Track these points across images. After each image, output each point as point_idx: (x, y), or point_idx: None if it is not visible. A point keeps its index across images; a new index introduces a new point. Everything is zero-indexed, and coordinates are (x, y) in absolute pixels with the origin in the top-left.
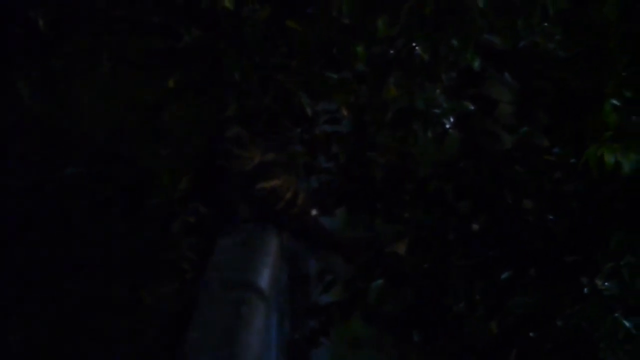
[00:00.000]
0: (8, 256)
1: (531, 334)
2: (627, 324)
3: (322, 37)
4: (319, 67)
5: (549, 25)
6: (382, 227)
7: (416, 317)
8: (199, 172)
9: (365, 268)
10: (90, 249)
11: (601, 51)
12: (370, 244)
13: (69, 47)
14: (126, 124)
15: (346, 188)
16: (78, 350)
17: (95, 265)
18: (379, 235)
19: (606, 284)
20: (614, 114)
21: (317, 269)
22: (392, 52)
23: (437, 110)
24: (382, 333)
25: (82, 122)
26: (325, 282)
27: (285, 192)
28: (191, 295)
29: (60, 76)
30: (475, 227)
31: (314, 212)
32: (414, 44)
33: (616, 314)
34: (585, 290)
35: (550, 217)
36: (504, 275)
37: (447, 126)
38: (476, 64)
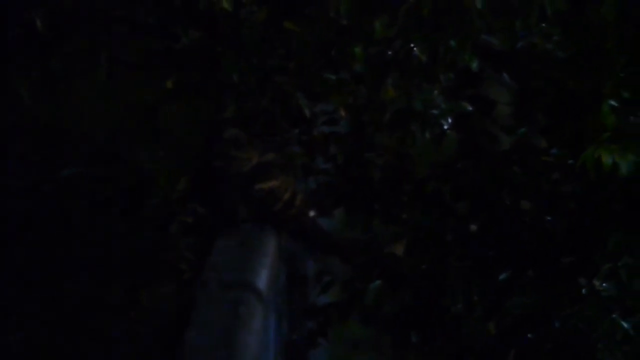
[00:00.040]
0: (7, 256)
1: (529, 335)
2: (625, 324)
3: (320, 38)
4: (317, 68)
5: (547, 26)
6: (380, 228)
7: (414, 318)
8: (197, 173)
9: (363, 269)
10: (89, 249)
11: (599, 52)
12: (368, 245)
13: (68, 48)
14: (125, 125)
15: (344, 189)
16: (77, 350)
17: (93, 266)
18: (377, 236)
19: (604, 284)
20: (612, 115)
21: (315, 270)
22: (390, 53)
23: (435, 111)
24: (380, 334)
25: (81, 123)
26: (323, 283)
27: (283, 193)
28: (189, 296)
29: (59, 77)
30: (473, 227)
31: (312, 213)
32: (411, 45)
33: (614, 315)
34: (583, 291)
35: (548, 218)
36: (502, 276)
37: (445, 127)
38: (474, 65)
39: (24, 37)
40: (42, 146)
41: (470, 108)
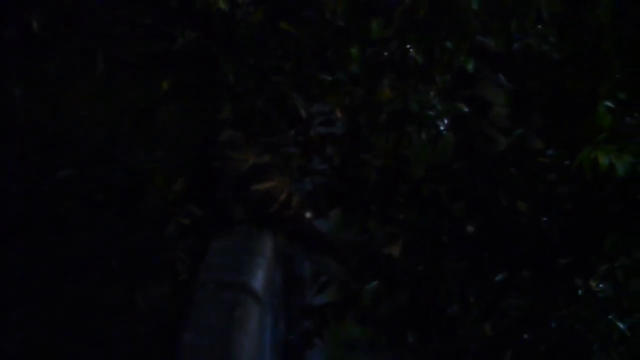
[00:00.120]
0: (4, 258)
1: (525, 336)
2: (621, 325)
3: (316, 39)
4: (313, 69)
5: (543, 27)
6: (376, 228)
7: (410, 318)
8: (193, 174)
9: (360, 269)
10: (86, 251)
11: (595, 53)
12: (364, 246)
13: (65, 49)
14: (121, 126)
15: (340, 190)
16: (74, 350)
17: (90, 267)
18: (373, 237)
19: (600, 285)
20: (608, 116)
21: (311, 271)
22: (386, 54)
23: (431, 112)
24: (376, 334)
25: (77, 124)
26: (319, 283)
27: (279, 194)
28: (186, 297)
29: (56, 78)
30: (469, 228)
31: (308, 213)
32: (408, 46)
33: (610, 316)
34: (580, 292)
35: (545, 219)
36: (499, 277)
37: (442, 128)
38: (470, 66)
39: (20, 38)
40: (39, 147)
41: (466, 109)
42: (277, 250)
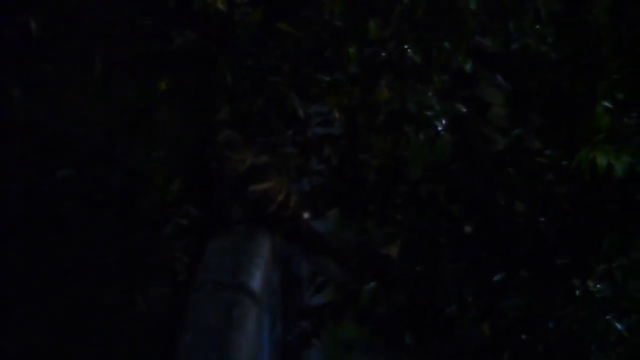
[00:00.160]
0: (2, 258)
1: (523, 336)
2: (619, 326)
3: (314, 39)
4: (311, 70)
5: (540, 27)
6: (374, 229)
7: (408, 319)
8: (191, 175)
9: (358, 270)
10: (84, 251)
11: (593, 53)
12: (362, 246)
13: (62, 50)
14: (119, 126)
15: (338, 190)
16: (72, 351)
17: (89, 267)
18: (371, 237)
19: (598, 286)
20: (606, 116)
21: (309, 271)
22: (384, 54)
23: (429, 113)
24: (374, 335)
25: (75, 125)
26: (317, 284)
27: (277, 194)
28: (184, 297)
29: (53, 79)
30: (467, 229)
31: (306, 214)
32: (405, 46)
33: (608, 316)
34: (578, 292)
35: (543, 219)
36: (496, 278)
37: (439, 128)
38: (468, 66)
39: (19, 38)
40: (38, 147)
41: (465, 109)
42: (275, 250)
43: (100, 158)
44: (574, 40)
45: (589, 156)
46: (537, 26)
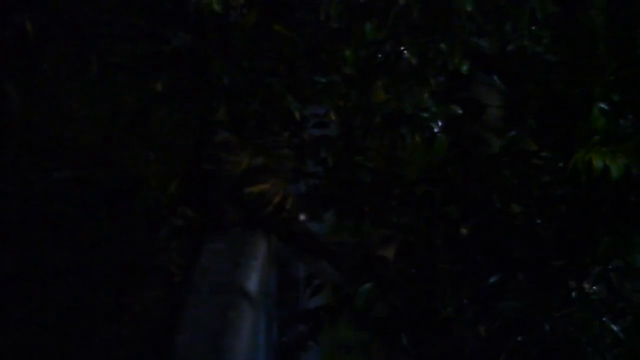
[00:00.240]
0: None
1: (519, 338)
2: (614, 328)
3: (310, 41)
4: (307, 71)
5: (537, 28)
6: (370, 231)
7: (404, 321)
8: (187, 177)
9: (354, 272)
10: (79, 253)
11: (589, 55)
12: (358, 248)
13: (58, 51)
14: (115, 128)
15: (334, 192)
16: (66, 353)
17: (83, 269)
18: (367, 239)
19: (594, 288)
20: (602, 118)
21: (305, 273)
22: (380, 56)
23: (425, 114)
24: (370, 337)
25: (70, 127)
26: (313, 286)
27: (273, 196)
28: (179, 300)
29: (49, 80)
30: (463, 231)
31: (302, 216)
32: (402, 48)
33: (604, 318)
34: (573, 294)
35: (539, 221)
36: (492, 280)
37: (436, 130)
38: (464, 68)
39: (14, 40)
40: (30, 150)
41: (461, 111)
42: (271, 252)
43: (95, 160)
44: (570, 41)
45: (585, 158)
46: (533, 27)
